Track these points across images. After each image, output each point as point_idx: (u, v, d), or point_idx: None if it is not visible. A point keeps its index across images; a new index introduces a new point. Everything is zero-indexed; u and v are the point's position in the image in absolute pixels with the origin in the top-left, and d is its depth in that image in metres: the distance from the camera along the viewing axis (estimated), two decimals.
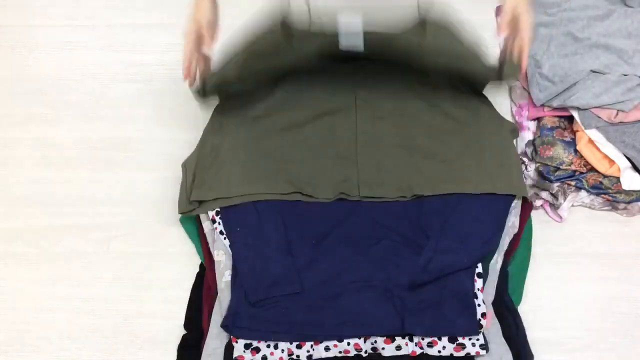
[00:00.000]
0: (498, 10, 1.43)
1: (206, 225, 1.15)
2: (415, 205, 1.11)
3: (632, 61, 1.23)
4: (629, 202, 1.19)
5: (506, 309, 1.09)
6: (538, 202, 1.21)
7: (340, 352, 1.02)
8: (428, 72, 1.15)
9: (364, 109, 1.20)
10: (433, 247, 1.07)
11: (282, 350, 1.02)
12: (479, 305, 1.03)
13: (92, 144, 1.33)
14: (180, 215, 1.22)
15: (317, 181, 1.13)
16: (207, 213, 1.14)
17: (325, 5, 1.32)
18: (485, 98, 1.22)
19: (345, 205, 1.12)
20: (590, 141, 1.19)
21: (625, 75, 1.21)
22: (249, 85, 1.18)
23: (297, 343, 1.02)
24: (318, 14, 1.25)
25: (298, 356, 1.02)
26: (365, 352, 1.02)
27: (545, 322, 1.12)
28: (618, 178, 1.17)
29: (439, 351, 1.00)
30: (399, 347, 1.01)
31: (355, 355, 1.02)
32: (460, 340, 1.01)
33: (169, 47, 1.44)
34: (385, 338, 1.02)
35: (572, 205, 1.21)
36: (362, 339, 1.02)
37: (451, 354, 1.00)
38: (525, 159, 1.24)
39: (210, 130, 1.21)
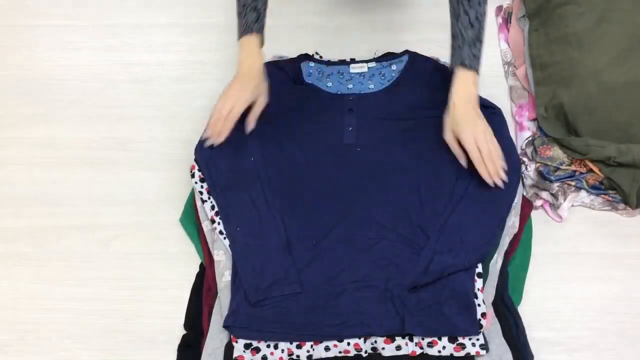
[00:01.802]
0: (498, 11, 1.43)
1: (206, 225, 1.15)
2: (415, 205, 1.11)
3: None
4: None
5: (506, 309, 1.09)
6: (538, 202, 1.21)
7: (340, 352, 1.02)
8: None
9: None
10: (433, 247, 1.07)
11: (282, 350, 1.02)
12: (479, 305, 1.03)
13: (92, 144, 1.33)
14: (180, 215, 1.22)
15: None
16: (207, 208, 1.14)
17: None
18: None
19: (345, 205, 1.12)
20: None
21: None
22: None
23: (297, 343, 1.02)
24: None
25: (298, 356, 1.02)
26: (365, 352, 1.02)
27: (545, 322, 1.12)
28: None
29: (439, 351, 1.00)
30: (399, 347, 1.01)
31: (355, 355, 1.02)
32: (460, 340, 1.01)
33: (169, 47, 1.44)
34: (385, 338, 1.02)
35: (572, 205, 1.21)
36: (362, 339, 1.02)
37: (451, 354, 1.00)
38: (525, 159, 1.24)
39: None
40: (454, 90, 1.10)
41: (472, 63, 1.09)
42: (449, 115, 1.10)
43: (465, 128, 1.08)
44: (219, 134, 1.13)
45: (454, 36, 1.10)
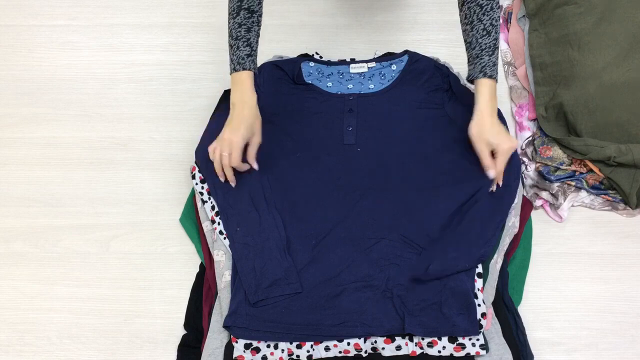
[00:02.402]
0: None
1: (206, 225, 1.15)
2: (415, 205, 1.11)
3: None
4: None
5: (506, 309, 1.09)
6: (538, 202, 1.21)
7: (340, 352, 1.02)
8: None
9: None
10: (434, 247, 1.07)
11: (282, 350, 1.02)
12: (479, 305, 1.03)
13: (92, 144, 1.33)
14: (180, 215, 1.22)
15: None
16: (207, 210, 1.14)
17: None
18: None
19: (345, 205, 1.12)
20: None
21: None
22: None
23: (297, 343, 1.02)
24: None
25: (298, 356, 1.02)
26: (365, 352, 1.02)
27: (545, 322, 1.12)
28: None
29: (439, 351, 1.00)
30: (399, 347, 1.01)
31: (355, 355, 1.02)
32: (460, 340, 1.01)
33: (169, 47, 1.44)
34: (385, 338, 1.02)
35: (572, 205, 1.21)
36: (362, 339, 1.02)
37: (451, 354, 1.00)
38: (525, 159, 1.24)
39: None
40: (481, 101, 1.08)
41: (492, 72, 1.08)
42: (478, 125, 1.09)
43: (504, 139, 1.07)
44: (231, 181, 1.12)
45: (469, 44, 1.10)
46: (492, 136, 1.08)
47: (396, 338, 1.02)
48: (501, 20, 1.41)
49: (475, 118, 1.09)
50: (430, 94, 1.22)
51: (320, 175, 1.16)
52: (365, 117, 1.21)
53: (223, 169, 1.10)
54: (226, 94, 1.27)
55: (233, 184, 1.13)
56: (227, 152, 1.08)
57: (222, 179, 1.12)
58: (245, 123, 1.09)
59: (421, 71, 1.25)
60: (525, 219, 1.17)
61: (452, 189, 1.12)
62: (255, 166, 1.13)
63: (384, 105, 1.22)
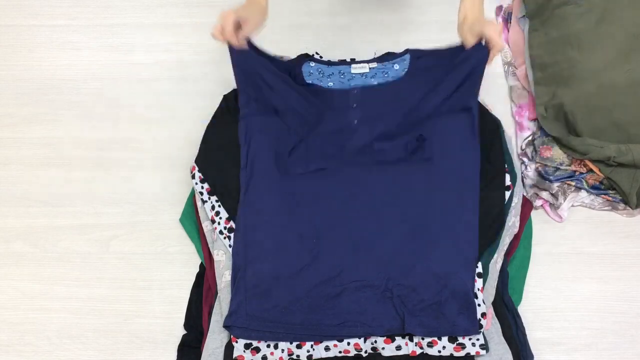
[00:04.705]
0: (498, 10, 1.43)
1: (206, 225, 1.15)
2: (417, 204, 1.11)
3: None
4: None
5: (506, 309, 1.09)
6: (538, 202, 1.21)
7: (340, 352, 1.02)
8: None
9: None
10: (434, 248, 1.07)
11: (282, 350, 1.02)
12: (479, 305, 1.03)
13: (92, 144, 1.33)
14: (180, 215, 1.22)
15: None
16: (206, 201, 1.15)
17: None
18: None
19: (346, 204, 1.12)
20: None
21: None
22: None
23: (297, 343, 1.02)
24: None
25: (298, 356, 1.02)
26: (365, 352, 1.02)
27: (545, 322, 1.12)
28: None
29: (439, 351, 1.00)
30: (399, 347, 1.01)
31: (355, 355, 1.02)
32: (460, 340, 1.01)
33: (169, 47, 1.44)
34: (385, 338, 1.02)
35: (572, 205, 1.21)
36: (362, 339, 1.02)
37: (451, 354, 1.00)
38: (525, 159, 1.24)
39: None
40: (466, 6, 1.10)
41: None
42: (465, 24, 1.09)
43: (488, 25, 1.06)
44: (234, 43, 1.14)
45: None
46: (480, 25, 1.08)
47: (396, 338, 1.02)
48: (501, 20, 1.42)
49: (461, 20, 1.10)
50: (437, 87, 1.17)
51: (320, 175, 1.15)
52: (369, 113, 1.19)
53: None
54: (225, 98, 1.26)
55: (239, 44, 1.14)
56: (218, 24, 1.10)
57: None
58: (244, 6, 1.13)
59: (426, 68, 1.23)
60: (525, 218, 1.17)
61: (453, 187, 1.12)
62: (238, 42, 1.13)
63: (389, 100, 1.19)
